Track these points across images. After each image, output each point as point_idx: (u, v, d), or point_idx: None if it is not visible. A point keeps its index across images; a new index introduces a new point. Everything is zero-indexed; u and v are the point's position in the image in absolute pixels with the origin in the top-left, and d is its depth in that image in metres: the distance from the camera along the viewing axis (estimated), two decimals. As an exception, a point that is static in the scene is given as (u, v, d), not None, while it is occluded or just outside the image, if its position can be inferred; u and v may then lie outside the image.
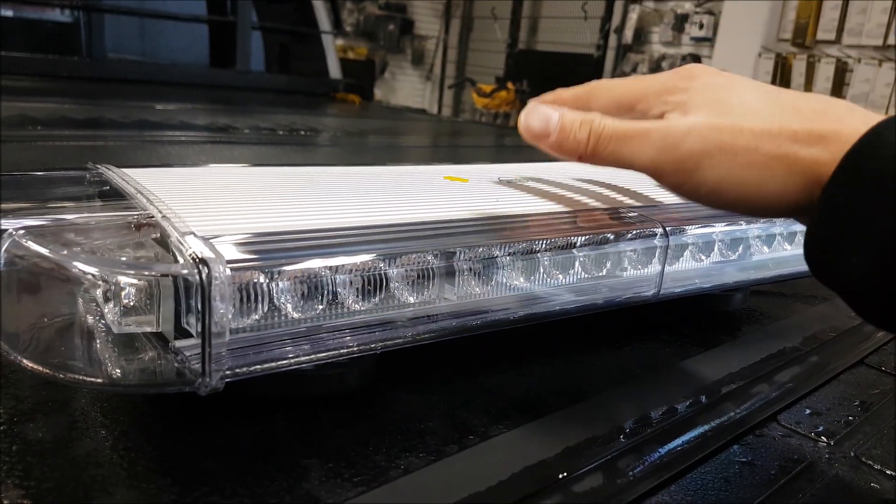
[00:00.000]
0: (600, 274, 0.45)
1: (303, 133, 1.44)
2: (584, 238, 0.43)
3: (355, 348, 0.36)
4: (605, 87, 0.41)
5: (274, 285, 0.33)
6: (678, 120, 0.35)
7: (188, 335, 0.32)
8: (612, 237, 0.44)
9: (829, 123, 0.32)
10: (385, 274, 0.36)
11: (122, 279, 0.31)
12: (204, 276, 0.30)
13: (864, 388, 0.49)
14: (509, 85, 4.74)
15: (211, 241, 0.32)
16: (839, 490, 0.37)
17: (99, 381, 0.31)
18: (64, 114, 1.40)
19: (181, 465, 0.32)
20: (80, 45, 2.07)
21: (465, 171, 0.56)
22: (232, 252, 0.32)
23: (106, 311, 0.32)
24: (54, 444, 0.33)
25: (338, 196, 0.44)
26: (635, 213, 0.47)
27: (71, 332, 0.32)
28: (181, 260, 0.31)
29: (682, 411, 0.42)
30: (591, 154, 0.38)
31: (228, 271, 0.31)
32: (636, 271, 0.46)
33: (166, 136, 1.27)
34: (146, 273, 0.31)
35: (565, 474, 0.34)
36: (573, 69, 4.65)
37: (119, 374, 0.31)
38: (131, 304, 0.32)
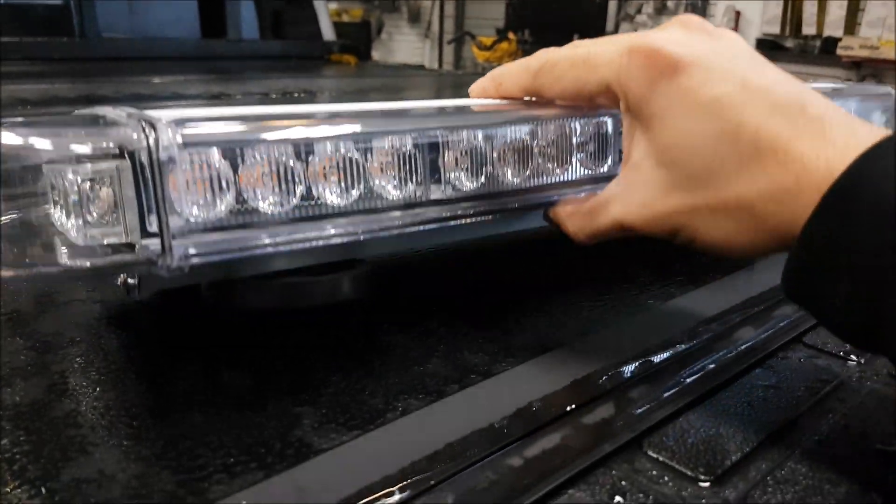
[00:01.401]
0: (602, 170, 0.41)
1: (297, 95, 1.41)
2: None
3: (334, 233, 0.33)
4: (551, 77, 0.37)
5: (238, 164, 0.30)
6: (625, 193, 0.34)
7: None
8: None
9: (791, 167, 0.28)
10: (365, 152, 0.33)
11: (73, 147, 0.28)
12: (150, 137, 0.27)
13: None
14: (510, 36, 4.63)
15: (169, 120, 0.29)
16: (873, 408, 0.34)
17: (59, 265, 0.29)
18: (56, 93, 1.38)
19: (165, 420, 0.30)
20: (72, 25, 2.04)
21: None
22: (186, 122, 0.29)
23: (68, 216, 0.29)
24: (31, 406, 0.31)
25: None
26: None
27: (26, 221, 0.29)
28: (129, 127, 0.28)
29: (700, 338, 0.39)
30: None
31: (180, 137, 0.28)
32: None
33: (160, 108, 1.24)
34: (93, 140, 0.28)
35: (574, 405, 0.32)
36: (576, 14, 4.54)
37: (82, 263, 0.29)
38: (92, 200, 0.29)
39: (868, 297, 0.26)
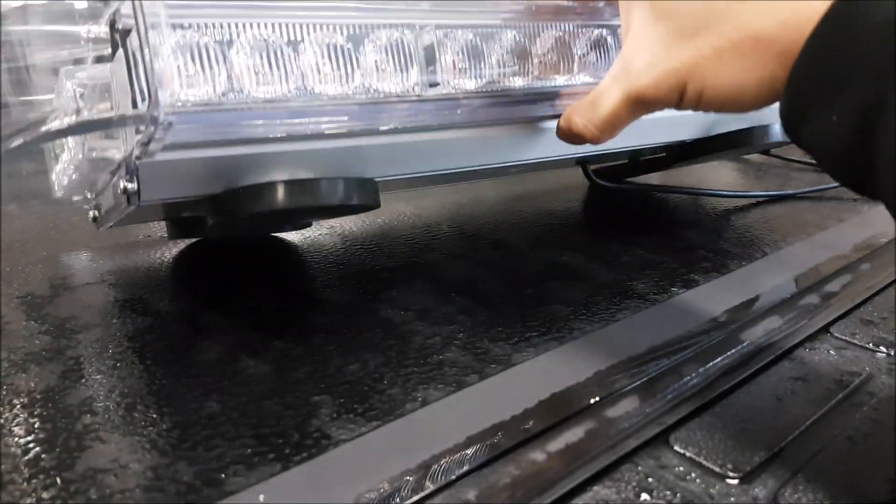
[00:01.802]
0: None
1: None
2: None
3: (324, 126, 0.32)
4: None
5: (227, 51, 0.29)
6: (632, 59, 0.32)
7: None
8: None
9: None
10: (358, 49, 0.32)
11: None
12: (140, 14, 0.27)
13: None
14: None
15: None
16: (905, 402, 0.33)
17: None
18: None
19: (181, 409, 0.30)
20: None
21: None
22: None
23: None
24: (46, 393, 0.31)
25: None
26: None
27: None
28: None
29: (725, 328, 0.38)
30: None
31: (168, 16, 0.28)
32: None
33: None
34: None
35: (598, 398, 0.31)
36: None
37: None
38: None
39: (865, 121, 0.24)
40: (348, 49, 0.32)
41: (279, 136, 0.31)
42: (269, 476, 0.26)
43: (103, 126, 0.31)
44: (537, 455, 0.28)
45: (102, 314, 0.38)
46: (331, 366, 0.34)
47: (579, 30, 0.39)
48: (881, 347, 0.38)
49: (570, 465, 0.27)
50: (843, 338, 0.39)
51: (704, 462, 0.28)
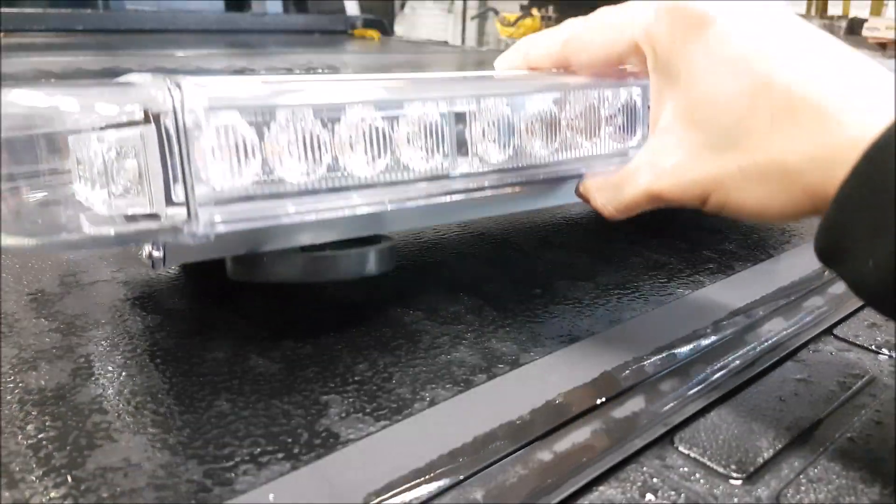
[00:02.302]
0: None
1: (320, 71, 1.40)
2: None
3: (360, 202, 0.32)
4: (579, 44, 0.36)
5: (265, 129, 0.29)
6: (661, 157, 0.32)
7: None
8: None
9: (826, 124, 0.26)
10: (394, 121, 0.32)
11: (98, 107, 0.27)
12: (176, 97, 0.27)
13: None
14: (534, 12, 4.56)
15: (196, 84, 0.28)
16: (908, 404, 0.33)
17: (75, 237, 0.28)
18: (79, 66, 1.38)
19: (191, 407, 0.30)
20: (96, -2, 2.04)
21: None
22: (215, 94, 0.28)
23: (92, 185, 0.29)
24: (56, 391, 0.31)
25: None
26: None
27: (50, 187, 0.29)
28: (154, 88, 0.28)
29: (729, 329, 0.39)
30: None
31: (206, 100, 0.27)
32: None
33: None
34: (118, 99, 0.28)
35: (604, 399, 0.31)
36: (601, -9, 4.45)
37: (106, 231, 0.28)
38: (114, 165, 0.29)
39: None
40: (383, 128, 0.32)
41: (311, 218, 0.31)
42: (279, 475, 0.26)
43: (142, 239, 0.31)
44: (544, 455, 0.28)
45: (112, 312, 0.39)
46: (339, 365, 0.34)
47: (608, 93, 0.39)
48: (883, 350, 0.38)
49: (576, 465, 0.28)
50: (846, 339, 0.39)
51: (708, 462, 0.28)
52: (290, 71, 1.38)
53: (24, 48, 1.61)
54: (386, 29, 2.18)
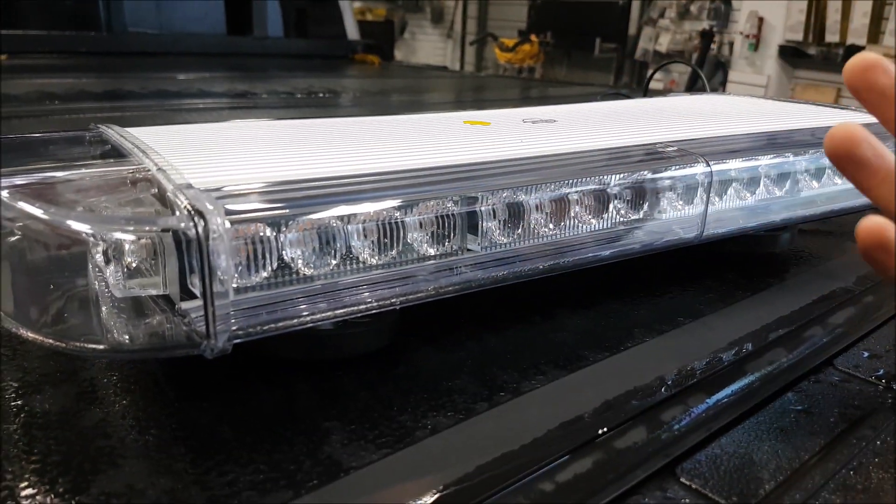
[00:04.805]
0: (636, 217, 0.42)
1: (321, 95, 1.41)
2: (618, 177, 0.40)
3: (374, 304, 0.34)
4: None
5: (282, 238, 0.31)
6: None
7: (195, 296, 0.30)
8: (648, 175, 0.41)
9: None
10: (402, 223, 0.34)
11: (117, 235, 0.29)
12: (200, 229, 0.27)
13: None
14: (533, 38, 4.62)
15: (211, 192, 0.30)
16: (909, 437, 0.33)
17: (101, 347, 0.29)
18: (82, 88, 1.39)
19: (194, 433, 0.30)
20: (100, 20, 2.06)
21: (486, 116, 0.53)
22: (233, 203, 0.30)
23: (107, 274, 0.30)
24: (61, 415, 0.31)
25: (349, 145, 0.42)
26: (674, 148, 0.44)
27: (70, 297, 0.30)
28: (177, 213, 0.29)
29: (730, 359, 0.39)
30: None
31: (228, 223, 0.28)
32: (676, 212, 0.43)
33: (185, 105, 1.25)
34: (139, 228, 0.29)
35: (605, 429, 0.32)
36: (598, 18, 4.51)
37: (123, 340, 0.29)
38: (133, 264, 0.29)
39: None
40: (396, 222, 0.33)
41: (324, 314, 0.32)
42: (282, 503, 0.26)
43: (168, 353, 0.31)
44: (546, 486, 0.28)
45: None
46: (340, 392, 0.34)
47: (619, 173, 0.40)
48: (884, 381, 0.38)
49: (579, 495, 0.28)
50: (847, 370, 0.40)
51: (710, 494, 0.28)
52: (290, 95, 1.39)
53: (29, 69, 1.63)
54: (386, 54, 2.20)
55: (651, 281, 0.49)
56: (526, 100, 1.55)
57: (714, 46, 3.97)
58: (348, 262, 0.33)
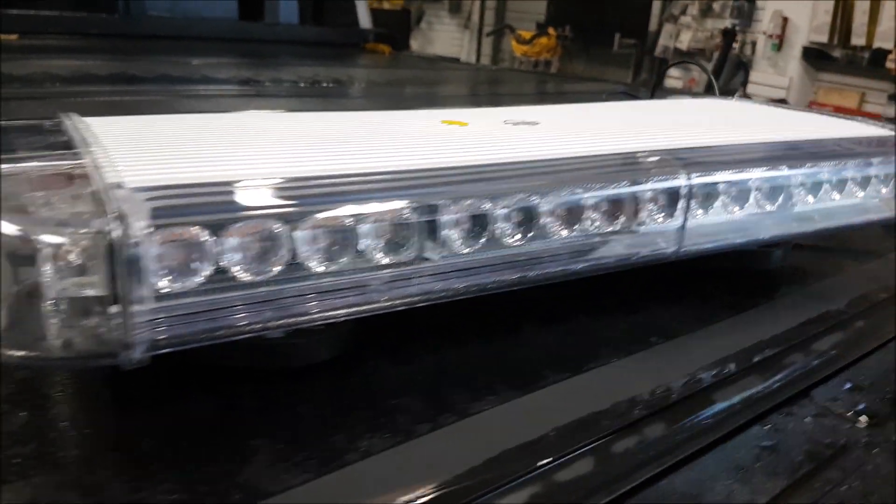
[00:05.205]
0: (610, 230, 0.39)
1: (325, 85, 1.39)
2: (591, 187, 0.38)
3: (316, 315, 0.32)
4: None
5: (219, 242, 0.29)
6: None
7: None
8: (624, 185, 0.39)
9: None
10: (354, 229, 0.32)
11: (46, 238, 0.27)
12: (119, 233, 0.25)
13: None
14: (550, 31, 4.55)
15: (140, 192, 0.28)
16: (878, 483, 0.31)
17: (16, 354, 0.27)
18: (88, 70, 1.38)
19: (116, 445, 0.29)
20: (116, 2, 2.05)
21: (467, 115, 0.51)
22: (164, 204, 0.28)
23: (38, 275, 0.28)
24: (-25, 420, 0.30)
25: (310, 143, 0.40)
26: (655, 158, 0.41)
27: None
28: (105, 215, 0.27)
29: (697, 387, 0.37)
30: None
31: (153, 228, 0.26)
32: (653, 225, 0.40)
33: (189, 91, 1.24)
34: (66, 231, 0.27)
35: (549, 459, 0.30)
36: (619, 13, 4.45)
37: (38, 348, 0.28)
38: (67, 264, 0.28)
39: None
40: (348, 228, 0.31)
41: (265, 325, 0.30)
42: (186, 530, 0.25)
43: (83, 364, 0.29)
44: (475, 521, 0.26)
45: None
46: (280, 405, 0.32)
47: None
48: (861, 417, 0.36)
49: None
50: (824, 403, 0.37)
51: (652, 539, 0.27)
52: (294, 84, 1.37)
53: (38, 50, 1.62)
54: (398, 44, 2.18)
55: (629, 295, 0.47)
56: (529, 96, 1.53)
57: (736, 46, 3.90)
58: (292, 269, 0.31)
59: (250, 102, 1.17)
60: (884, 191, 0.52)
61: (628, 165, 0.40)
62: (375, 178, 0.34)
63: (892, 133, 0.55)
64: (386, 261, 0.33)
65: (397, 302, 0.34)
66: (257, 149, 0.38)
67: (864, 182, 0.50)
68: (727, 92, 3.80)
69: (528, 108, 0.56)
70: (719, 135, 0.51)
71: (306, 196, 0.31)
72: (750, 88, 3.75)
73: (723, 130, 0.54)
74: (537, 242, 0.37)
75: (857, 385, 0.39)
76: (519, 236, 0.36)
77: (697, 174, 0.41)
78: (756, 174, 0.45)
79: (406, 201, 0.33)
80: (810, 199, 0.48)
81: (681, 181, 0.41)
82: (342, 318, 0.32)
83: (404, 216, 0.33)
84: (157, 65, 1.53)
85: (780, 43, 3.81)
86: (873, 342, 0.44)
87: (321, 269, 0.31)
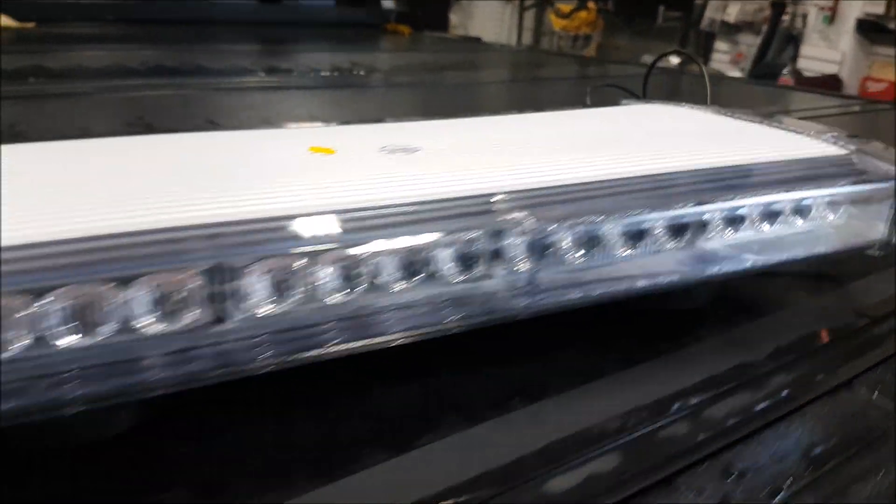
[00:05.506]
0: (459, 280, 0.35)
1: (325, 74, 1.37)
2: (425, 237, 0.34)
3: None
4: None
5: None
6: None
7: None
8: (466, 235, 0.34)
9: None
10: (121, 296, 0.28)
11: None
12: None
13: (844, 424, 0.38)
14: (590, 4, 4.38)
15: None
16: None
17: None
18: (88, 60, 1.39)
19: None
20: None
21: (341, 139, 0.46)
22: None
23: None
24: None
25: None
26: (502, 196, 0.36)
27: None
28: None
29: (667, 415, 0.35)
30: None
31: None
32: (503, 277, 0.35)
33: (196, 82, 1.24)
34: None
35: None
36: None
37: None
38: None
39: None
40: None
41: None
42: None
43: None
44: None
45: None
46: (186, 442, 0.30)
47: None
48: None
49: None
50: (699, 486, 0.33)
51: None
52: (289, 73, 1.36)
53: (53, 39, 1.64)
54: (419, 23, 2.13)
55: (607, 311, 0.42)
56: (528, 86, 1.47)
57: (786, 18, 3.69)
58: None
59: (249, 95, 1.17)
60: (831, 218, 0.47)
61: (470, 214, 0.35)
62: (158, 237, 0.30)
63: (848, 152, 0.49)
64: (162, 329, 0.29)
65: (172, 384, 0.30)
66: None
67: (799, 211, 0.45)
68: (776, 66, 3.60)
69: (420, 123, 0.52)
70: (632, 161, 0.45)
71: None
72: (800, 63, 3.56)
73: (640, 153, 0.47)
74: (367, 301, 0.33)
75: (757, 466, 0.34)
76: (340, 296, 0.32)
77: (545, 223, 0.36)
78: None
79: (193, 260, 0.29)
80: (729, 233, 0.43)
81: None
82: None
83: (184, 282, 0.29)
84: (189, 54, 1.53)
85: (832, 15, 3.60)
86: (790, 404, 0.39)
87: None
